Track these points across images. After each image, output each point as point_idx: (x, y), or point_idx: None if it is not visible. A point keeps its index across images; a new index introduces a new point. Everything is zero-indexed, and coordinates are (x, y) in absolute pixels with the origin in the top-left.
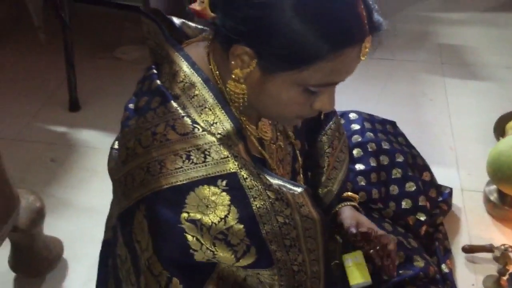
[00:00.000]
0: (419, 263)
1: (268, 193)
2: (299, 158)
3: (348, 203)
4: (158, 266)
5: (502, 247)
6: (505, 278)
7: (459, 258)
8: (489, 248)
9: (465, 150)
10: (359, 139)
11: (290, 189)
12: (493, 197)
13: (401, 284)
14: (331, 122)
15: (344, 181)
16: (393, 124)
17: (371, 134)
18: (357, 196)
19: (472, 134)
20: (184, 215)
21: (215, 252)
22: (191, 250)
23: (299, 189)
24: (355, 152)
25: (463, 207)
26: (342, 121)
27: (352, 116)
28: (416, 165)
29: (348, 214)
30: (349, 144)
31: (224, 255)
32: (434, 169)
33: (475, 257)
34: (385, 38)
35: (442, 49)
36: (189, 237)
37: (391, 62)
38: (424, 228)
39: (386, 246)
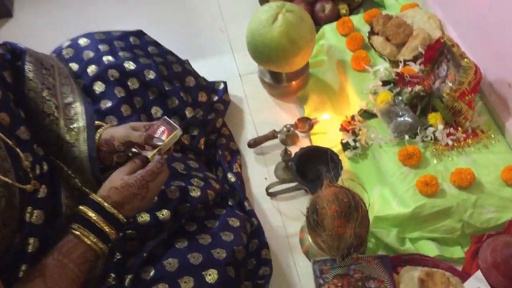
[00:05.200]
0: (195, 192)
1: None
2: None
3: (106, 125)
4: None
5: (285, 128)
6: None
7: (249, 154)
8: (272, 135)
9: (236, 30)
10: (96, 70)
11: None
12: (267, 78)
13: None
14: (25, 63)
15: (88, 110)
16: (138, 34)
17: (109, 57)
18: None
19: (240, 9)
20: None
21: None
22: None
23: None
24: (96, 87)
25: (244, 95)
26: (72, 53)
27: (83, 42)
28: (174, 74)
29: (117, 135)
30: (88, 79)
31: None
32: (211, 60)
33: (264, 147)
34: None
35: None
36: None
37: None
38: (202, 141)
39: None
